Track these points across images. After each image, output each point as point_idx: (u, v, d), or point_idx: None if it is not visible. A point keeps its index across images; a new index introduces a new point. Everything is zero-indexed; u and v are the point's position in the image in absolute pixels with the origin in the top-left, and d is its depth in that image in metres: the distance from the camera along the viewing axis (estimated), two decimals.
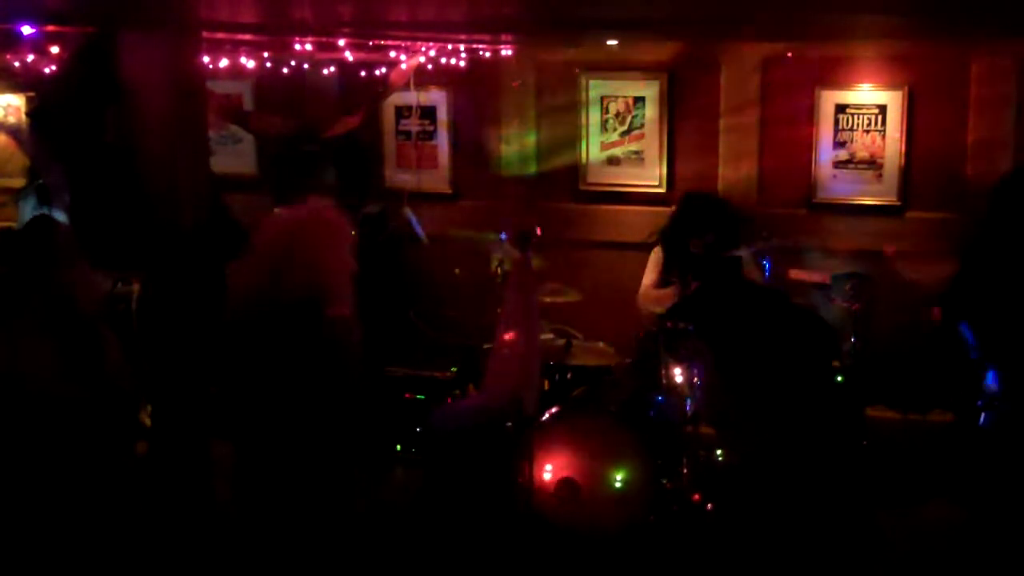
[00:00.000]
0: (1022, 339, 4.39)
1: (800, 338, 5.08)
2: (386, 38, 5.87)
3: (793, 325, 5.13)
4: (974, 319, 4.51)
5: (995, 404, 4.47)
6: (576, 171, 7.09)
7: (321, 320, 4.17)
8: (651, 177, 6.94)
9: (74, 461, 3.87)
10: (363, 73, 6.72)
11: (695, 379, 4.85)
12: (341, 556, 4.57)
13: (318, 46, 5.67)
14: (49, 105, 4.12)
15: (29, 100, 7.47)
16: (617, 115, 6.97)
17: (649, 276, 6.16)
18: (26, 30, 3.84)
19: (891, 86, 6.44)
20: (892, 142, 6.47)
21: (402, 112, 7.38)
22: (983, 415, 4.58)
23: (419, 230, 6.96)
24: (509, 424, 4.80)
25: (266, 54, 6.03)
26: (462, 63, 6.88)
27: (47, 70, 5.54)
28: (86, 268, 4.20)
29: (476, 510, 4.87)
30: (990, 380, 4.56)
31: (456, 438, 4.96)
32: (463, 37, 6.25)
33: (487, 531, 4.73)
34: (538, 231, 4.66)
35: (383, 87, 6.71)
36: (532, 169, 7.16)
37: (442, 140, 7.37)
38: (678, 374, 5.02)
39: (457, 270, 6.85)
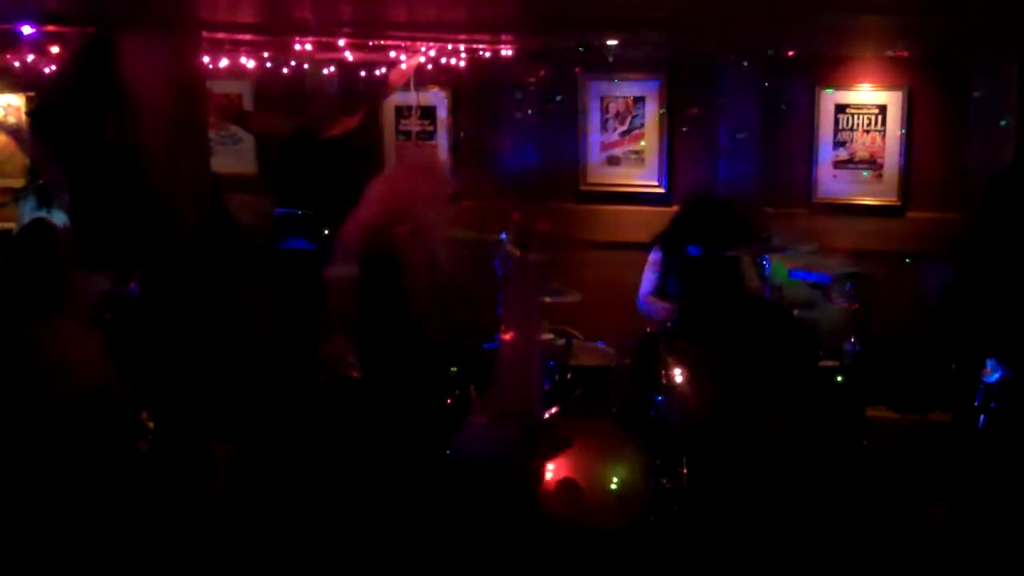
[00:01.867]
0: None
1: (778, 340, 5.10)
2: (386, 38, 5.87)
3: (769, 328, 5.15)
4: (973, 324, 4.50)
5: (991, 403, 4.46)
6: (576, 171, 7.09)
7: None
8: (651, 177, 6.94)
9: (72, 462, 3.86)
10: (363, 73, 6.72)
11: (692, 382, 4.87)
12: (341, 555, 4.57)
13: (318, 46, 5.67)
14: (49, 105, 4.12)
15: (29, 100, 7.48)
16: (617, 115, 6.97)
17: (648, 279, 6.14)
18: (26, 30, 3.84)
19: (891, 86, 6.44)
20: (892, 142, 6.47)
21: (402, 112, 7.38)
22: (981, 416, 4.57)
23: None
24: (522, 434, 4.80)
25: (266, 54, 6.03)
26: (462, 63, 6.88)
27: (47, 70, 5.54)
28: (82, 271, 4.19)
29: (476, 509, 4.87)
30: (990, 371, 4.54)
31: (477, 466, 4.97)
32: (463, 37, 6.25)
33: (487, 531, 4.72)
34: (547, 226, 4.80)
35: (383, 87, 6.71)
36: (532, 169, 7.16)
37: (442, 140, 7.37)
38: (678, 375, 5.03)
39: (457, 270, 6.83)
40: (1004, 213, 4.49)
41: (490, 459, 4.79)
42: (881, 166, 6.52)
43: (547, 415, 5.04)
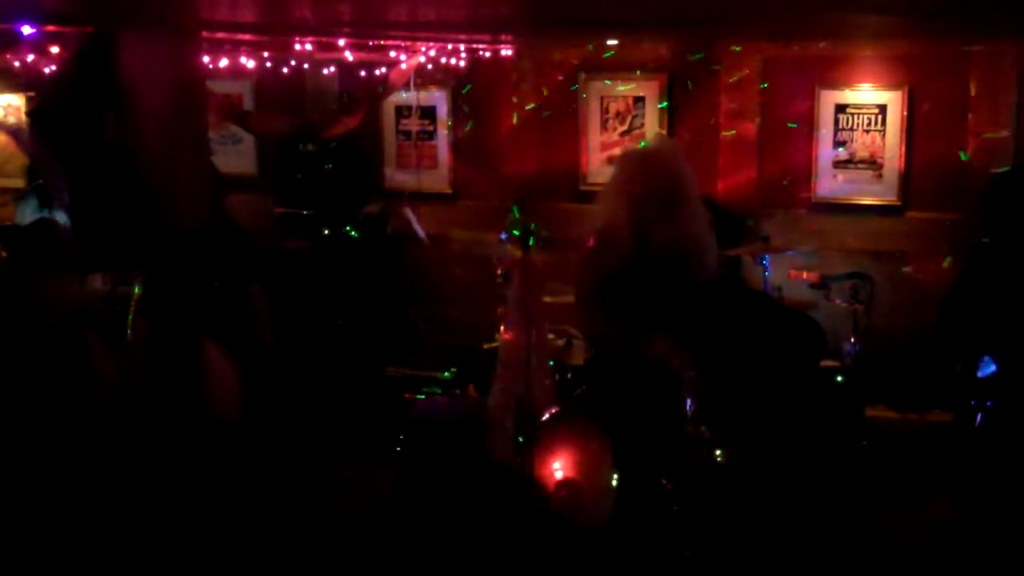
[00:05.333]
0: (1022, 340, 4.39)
1: (786, 339, 5.08)
2: (386, 38, 5.87)
3: (778, 326, 5.13)
4: (977, 324, 4.51)
5: (988, 396, 4.47)
6: (576, 171, 7.09)
7: None
8: None
9: (62, 467, 3.86)
10: (363, 73, 6.73)
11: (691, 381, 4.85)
12: (338, 555, 4.58)
13: (318, 46, 5.67)
14: (49, 105, 4.11)
15: (29, 100, 7.48)
16: (617, 115, 6.97)
17: None
18: (26, 30, 3.84)
19: (891, 86, 6.44)
20: (892, 142, 6.46)
21: (402, 112, 7.38)
22: (979, 415, 4.57)
23: (419, 230, 6.97)
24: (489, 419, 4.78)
25: (266, 54, 6.03)
26: (462, 63, 6.88)
27: (47, 70, 5.54)
28: (60, 273, 4.18)
29: (475, 510, 4.87)
30: (986, 369, 4.56)
31: (433, 433, 4.95)
32: (463, 37, 6.25)
33: (487, 531, 4.72)
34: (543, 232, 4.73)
35: (383, 87, 6.71)
36: (532, 169, 7.16)
37: (442, 140, 7.37)
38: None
39: (457, 270, 6.86)
40: (1004, 214, 4.49)
41: (447, 425, 4.69)
42: (881, 166, 6.51)
43: (547, 415, 5.04)
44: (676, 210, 4.08)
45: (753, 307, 5.23)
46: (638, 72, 6.89)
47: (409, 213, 6.97)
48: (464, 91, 7.25)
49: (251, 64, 6.06)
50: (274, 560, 4.48)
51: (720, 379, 4.83)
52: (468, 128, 7.31)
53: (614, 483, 4.75)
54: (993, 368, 4.43)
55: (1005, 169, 5.86)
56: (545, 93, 7.10)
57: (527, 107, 7.13)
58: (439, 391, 6.04)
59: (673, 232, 4.03)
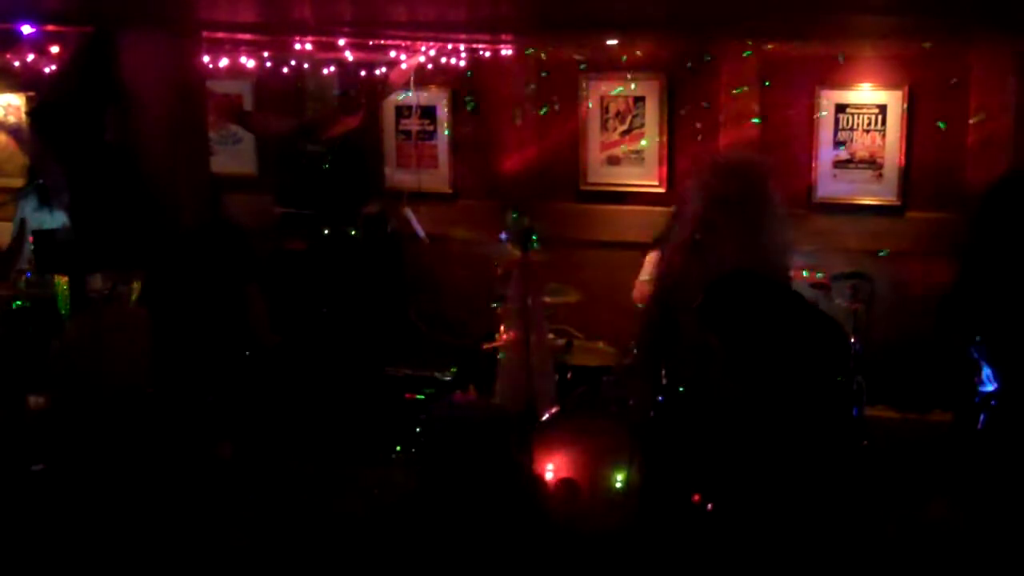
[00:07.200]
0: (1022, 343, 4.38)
1: (816, 342, 5.05)
2: (386, 38, 5.87)
3: (811, 328, 5.10)
4: (975, 328, 4.49)
5: (991, 402, 4.46)
6: (576, 171, 7.09)
7: None
8: (651, 177, 6.93)
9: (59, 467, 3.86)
10: (363, 73, 6.73)
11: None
12: (340, 556, 4.57)
13: (318, 46, 5.67)
14: (49, 105, 4.12)
15: (29, 100, 7.48)
16: (617, 115, 6.97)
17: (644, 277, 6.13)
18: (26, 30, 3.84)
19: (891, 86, 6.44)
20: (892, 142, 6.46)
21: (402, 112, 7.38)
22: (981, 416, 4.56)
23: (419, 230, 6.97)
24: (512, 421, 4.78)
25: (266, 54, 6.04)
26: (462, 63, 6.88)
27: (47, 70, 5.55)
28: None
29: (475, 510, 4.87)
30: (985, 377, 4.55)
31: (454, 429, 4.95)
32: (463, 37, 6.25)
33: (486, 531, 4.72)
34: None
35: (383, 87, 6.72)
36: (532, 169, 7.16)
37: (442, 140, 7.37)
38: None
39: (457, 270, 6.86)
40: (1002, 220, 4.47)
41: (468, 421, 4.69)
42: (881, 166, 6.52)
43: (547, 415, 5.04)
44: (753, 214, 4.03)
45: (787, 303, 5.20)
46: (638, 72, 6.90)
47: (409, 213, 6.97)
48: (464, 91, 7.25)
49: (251, 64, 6.06)
50: (275, 558, 4.48)
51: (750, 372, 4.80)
52: (468, 128, 7.31)
53: (618, 483, 4.75)
54: (994, 387, 4.42)
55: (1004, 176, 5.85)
56: (545, 93, 7.10)
57: (527, 107, 7.13)
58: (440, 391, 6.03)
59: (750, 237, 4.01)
